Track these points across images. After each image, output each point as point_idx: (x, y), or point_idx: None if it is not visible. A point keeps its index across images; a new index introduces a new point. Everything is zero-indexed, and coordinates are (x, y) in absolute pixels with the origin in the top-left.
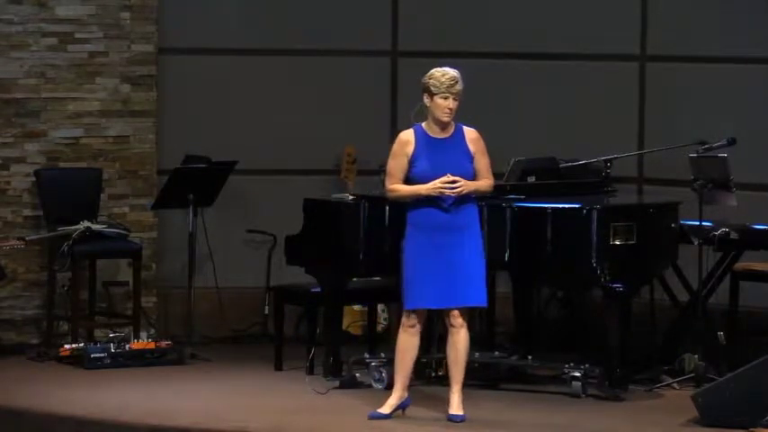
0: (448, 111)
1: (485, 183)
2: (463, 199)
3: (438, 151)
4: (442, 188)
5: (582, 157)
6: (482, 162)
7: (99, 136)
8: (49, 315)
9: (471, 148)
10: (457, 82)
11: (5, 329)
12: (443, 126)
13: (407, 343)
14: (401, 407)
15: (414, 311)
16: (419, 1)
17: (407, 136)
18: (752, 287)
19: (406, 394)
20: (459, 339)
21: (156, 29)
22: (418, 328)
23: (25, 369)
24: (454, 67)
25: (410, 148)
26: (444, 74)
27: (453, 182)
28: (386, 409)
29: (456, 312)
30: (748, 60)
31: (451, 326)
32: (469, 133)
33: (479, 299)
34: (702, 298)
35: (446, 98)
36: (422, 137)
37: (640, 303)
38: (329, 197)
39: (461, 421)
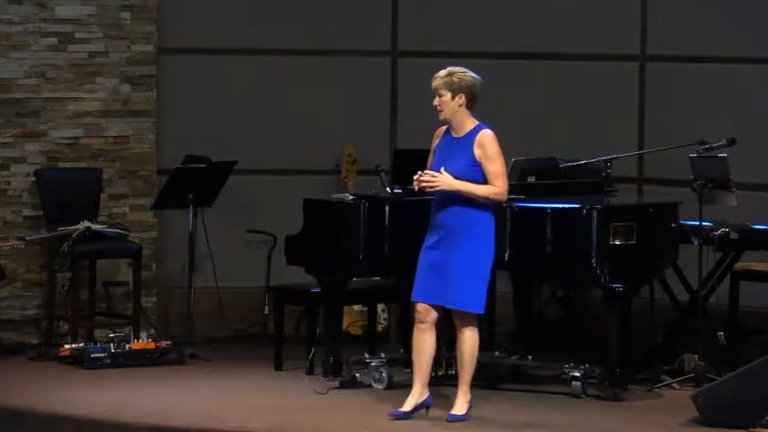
0: (437, 109)
1: (481, 187)
2: (456, 201)
3: (447, 150)
4: (416, 180)
5: (582, 157)
6: (488, 167)
7: (99, 136)
8: (49, 315)
9: (477, 152)
10: (434, 79)
11: (5, 329)
12: (452, 125)
13: (417, 340)
14: (423, 406)
15: (419, 307)
16: (419, 1)
17: (438, 131)
18: (752, 287)
19: (426, 393)
20: (461, 341)
21: (156, 29)
22: (428, 324)
23: (25, 369)
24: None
25: (435, 143)
26: None
27: (432, 177)
28: (406, 406)
29: (454, 314)
30: (748, 60)
31: (456, 327)
32: (479, 137)
33: (463, 303)
34: (702, 298)
35: (434, 98)
36: (445, 135)
37: (640, 303)
38: (329, 197)
39: (457, 421)
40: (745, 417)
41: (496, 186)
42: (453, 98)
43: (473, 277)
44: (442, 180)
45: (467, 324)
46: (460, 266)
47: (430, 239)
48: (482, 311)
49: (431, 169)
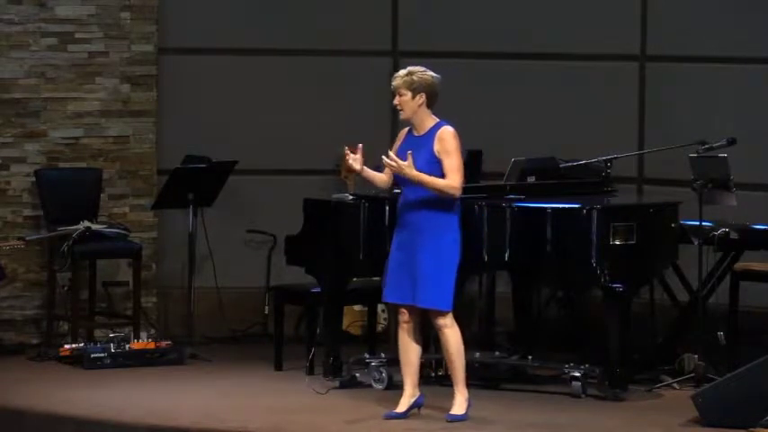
0: (397, 109)
1: (440, 180)
2: (421, 199)
3: (408, 149)
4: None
5: (582, 157)
6: (445, 162)
7: (99, 136)
8: (49, 315)
9: (436, 147)
10: (394, 78)
11: (5, 329)
12: (413, 124)
13: (402, 341)
14: (415, 405)
15: (401, 308)
16: (419, 1)
17: (401, 133)
18: (752, 287)
19: (417, 392)
20: (443, 341)
21: (156, 29)
22: (411, 325)
23: (25, 369)
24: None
25: (397, 144)
26: None
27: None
28: (400, 407)
29: (429, 316)
30: (748, 60)
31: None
32: (439, 132)
33: (431, 302)
34: (702, 298)
35: (393, 97)
36: (407, 135)
37: (640, 303)
38: (329, 197)
39: (457, 421)
40: (745, 417)
41: (453, 181)
42: (414, 97)
43: (439, 275)
44: (405, 168)
45: (444, 323)
46: (426, 265)
47: (396, 239)
48: (450, 308)
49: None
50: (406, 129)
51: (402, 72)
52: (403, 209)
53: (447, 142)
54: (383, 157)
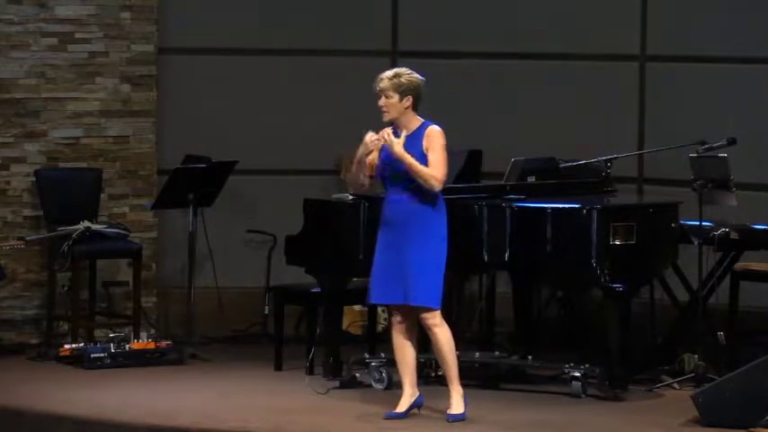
0: (382, 110)
1: (423, 167)
2: (406, 198)
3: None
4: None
5: (582, 157)
6: (431, 156)
7: (99, 136)
8: (49, 315)
9: (424, 144)
10: (380, 80)
11: (5, 329)
12: (399, 125)
13: (396, 341)
14: (415, 405)
15: (394, 309)
16: (419, 1)
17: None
18: (752, 287)
19: (417, 392)
20: (434, 341)
21: (156, 29)
22: (405, 325)
23: (25, 369)
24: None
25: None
26: None
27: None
28: (400, 408)
29: (419, 313)
30: (748, 60)
31: (425, 329)
32: (428, 131)
33: (420, 299)
34: (702, 298)
35: (378, 98)
36: (393, 135)
37: (640, 303)
38: (329, 197)
39: (457, 420)
40: (745, 417)
41: (437, 173)
42: (401, 100)
43: (428, 273)
44: (396, 145)
45: (433, 322)
46: (415, 264)
47: (382, 239)
48: (438, 307)
49: (378, 171)
50: (389, 129)
51: (389, 74)
52: (388, 208)
53: (434, 139)
54: (370, 133)
